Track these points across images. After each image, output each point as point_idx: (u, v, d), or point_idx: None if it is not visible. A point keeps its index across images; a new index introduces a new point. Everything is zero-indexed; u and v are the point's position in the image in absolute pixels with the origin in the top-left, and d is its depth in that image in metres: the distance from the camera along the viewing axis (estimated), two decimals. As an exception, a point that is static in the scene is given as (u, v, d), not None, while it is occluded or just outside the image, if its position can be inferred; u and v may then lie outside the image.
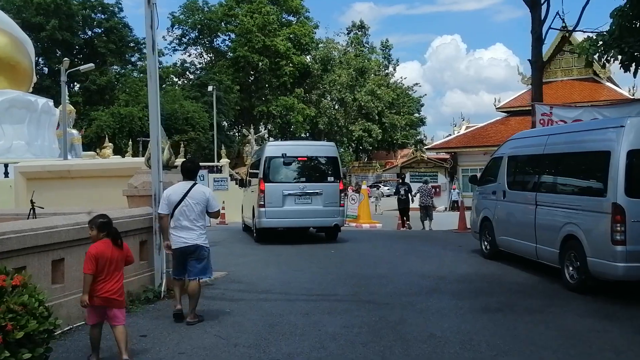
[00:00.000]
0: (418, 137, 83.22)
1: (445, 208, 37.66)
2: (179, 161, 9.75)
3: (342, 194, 14.81)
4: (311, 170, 14.98)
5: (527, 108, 40.91)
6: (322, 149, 15.44)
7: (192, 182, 7.07)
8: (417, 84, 77.74)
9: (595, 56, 12.61)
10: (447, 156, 38.93)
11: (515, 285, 8.61)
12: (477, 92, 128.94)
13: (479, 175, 12.87)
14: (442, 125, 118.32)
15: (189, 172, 7.19)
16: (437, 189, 38.13)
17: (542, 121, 13.95)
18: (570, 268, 8.14)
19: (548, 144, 9.37)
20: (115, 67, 45.13)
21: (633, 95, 36.72)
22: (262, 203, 14.36)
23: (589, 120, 11.65)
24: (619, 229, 7.27)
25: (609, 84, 38.09)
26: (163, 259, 8.04)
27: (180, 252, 6.96)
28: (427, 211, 21.57)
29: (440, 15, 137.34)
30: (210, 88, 39.50)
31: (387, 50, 74.60)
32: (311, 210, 14.34)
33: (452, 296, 7.92)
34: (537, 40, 17.69)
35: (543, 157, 9.53)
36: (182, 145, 40.30)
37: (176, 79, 59.96)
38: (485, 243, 11.35)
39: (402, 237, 16.24)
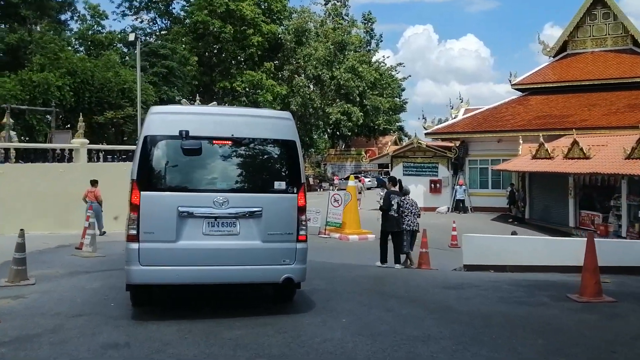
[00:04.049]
0: (398, 124, 76.33)
1: (448, 209, 30.05)
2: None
3: (303, 216, 6.97)
4: (240, 166, 7.04)
5: (550, 84, 34.01)
6: (265, 123, 7.05)
7: None
8: (400, 63, 69.93)
9: None
10: (451, 144, 31.26)
11: None
12: (448, 82, 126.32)
13: None
14: (413, 114, 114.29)
15: None
16: (438, 185, 30.53)
17: None
18: None
19: None
20: (38, 27, 36.18)
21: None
22: (135, 234, 6.49)
23: None
24: None
25: (655, 56, 30.67)
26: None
27: None
28: (412, 237, 13.01)
29: (413, 6, 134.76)
30: (131, 37, 30.65)
31: (370, 23, 66.52)
32: (237, 249, 6.67)
33: None
34: None
35: None
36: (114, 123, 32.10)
37: (126, 49, 51.12)
38: None
39: (468, 306, 7.46)
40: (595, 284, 7.40)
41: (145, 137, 6.68)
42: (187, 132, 6.58)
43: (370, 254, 13.58)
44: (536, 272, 11.03)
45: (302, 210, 6.90)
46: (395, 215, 12.52)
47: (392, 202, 12.49)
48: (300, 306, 7.29)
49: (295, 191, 6.86)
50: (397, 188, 13.10)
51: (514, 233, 18.57)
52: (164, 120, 6.84)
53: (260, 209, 6.69)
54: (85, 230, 12.64)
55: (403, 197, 13.03)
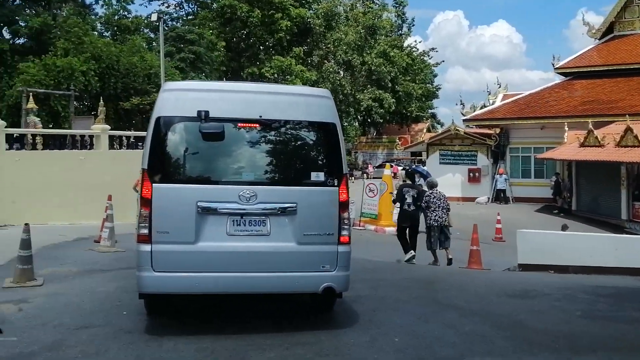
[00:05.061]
0: (431, 111, 74.28)
1: (488, 199, 28.58)
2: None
3: (345, 214, 5.81)
4: (270, 154, 5.84)
5: (597, 68, 32.06)
6: (299, 103, 5.87)
7: None
8: (433, 48, 67.72)
9: None
10: (490, 131, 29.69)
11: None
12: (479, 69, 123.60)
13: None
14: (444, 102, 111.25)
15: None
16: (477, 174, 29.05)
17: None
18: None
19: None
20: (64, 12, 35.44)
21: None
22: (146, 233, 5.47)
23: None
24: None
25: None
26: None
27: None
28: (442, 233, 11.93)
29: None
30: (154, 17, 29.68)
31: (401, 7, 64.48)
32: (268, 253, 5.59)
33: None
34: None
35: None
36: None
37: (153, 34, 50.39)
38: None
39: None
40: None
41: (158, 119, 5.62)
42: (207, 112, 5.49)
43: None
44: (604, 274, 9.77)
45: (344, 206, 5.76)
46: (409, 209, 11.98)
47: (406, 196, 12.02)
48: (342, 319, 6.18)
49: (336, 183, 5.72)
50: (409, 181, 12.87)
51: (564, 227, 17.16)
52: (180, 98, 5.73)
53: (294, 204, 5.57)
54: (103, 222, 11.68)
55: (430, 191, 12.31)
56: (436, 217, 11.93)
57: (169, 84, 6.10)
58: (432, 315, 6.30)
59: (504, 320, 6.14)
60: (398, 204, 12.83)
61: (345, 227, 5.74)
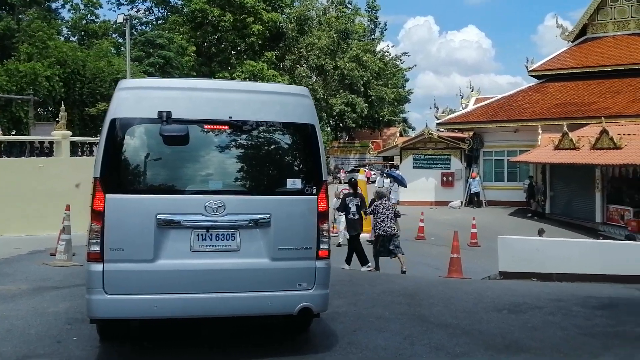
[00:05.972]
0: (402, 115, 74.31)
1: (462, 203, 28.33)
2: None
3: (325, 225, 5.24)
4: (241, 160, 5.21)
5: (570, 70, 32.15)
6: (274, 102, 5.22)
7: None
8: (405, 53, 67.84)
9: None
10: (465, 135, 29.47)
11: None
12: (449, 74, 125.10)
13: None
14: (415, 106, 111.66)
15: None
16: (451, 178, 28.81)
17: None
18: None
19: None
20: (25, 16, 34.13)
21: None
22: (97, 251, 4.75)
23: None
24: None
25: (684, 40, 28.80)
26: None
27: None
28: (391, 242, 11.97)
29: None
30: (120, 19, 28.65)
31: (374, 12, 64.44)
32: (237, 271, 4.94)
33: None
34: None
35: None
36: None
37: (121, 40, 49.25)
38: None
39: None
40: None
41: (113, 121, 4.94)
42: (168, 113, 4.84)
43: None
44: (589, 281, 9.38)
45: (323, 216, 5.18)
46: (354, 218, 12.19)
47: (350, 205, 12.18)
48: (320, 341, 5.59)
49: (314, 192, 5.13)
50: (352, 190, 12.87)
51: (541, 231, 16.92)
52: (138, 97, 5.07)
53: (267, 215, 4.97)
54: (60, 233, 10.86)
55: (380, 201, 12.35)
56: (384, 227, 11.95)
57: (126, 82, 5.43)
58: (419, 336, 5.75)
59: (498, 340, 5.61)
60: (342, 214, 13.03)
61: (325, 239, 5.16)
